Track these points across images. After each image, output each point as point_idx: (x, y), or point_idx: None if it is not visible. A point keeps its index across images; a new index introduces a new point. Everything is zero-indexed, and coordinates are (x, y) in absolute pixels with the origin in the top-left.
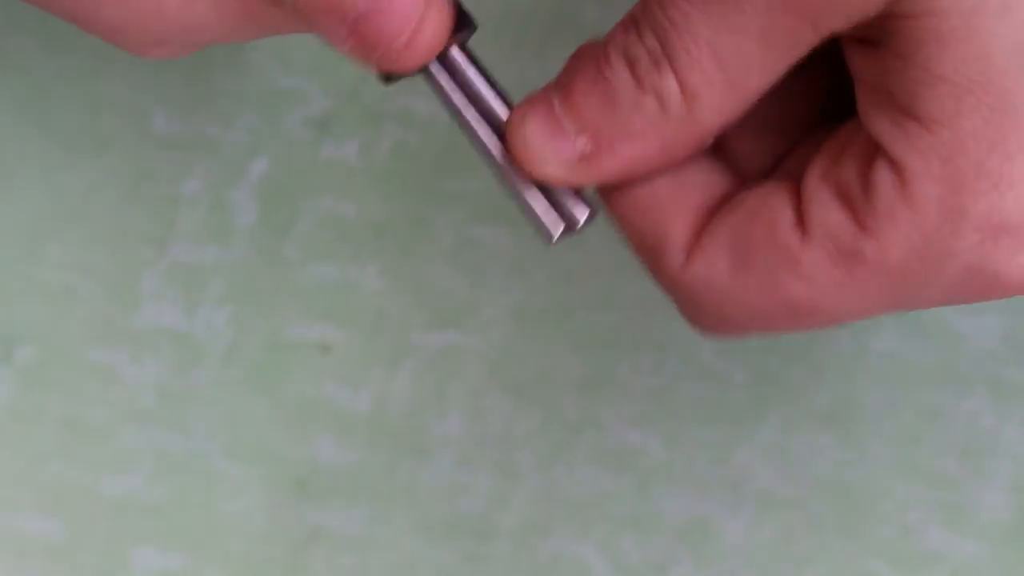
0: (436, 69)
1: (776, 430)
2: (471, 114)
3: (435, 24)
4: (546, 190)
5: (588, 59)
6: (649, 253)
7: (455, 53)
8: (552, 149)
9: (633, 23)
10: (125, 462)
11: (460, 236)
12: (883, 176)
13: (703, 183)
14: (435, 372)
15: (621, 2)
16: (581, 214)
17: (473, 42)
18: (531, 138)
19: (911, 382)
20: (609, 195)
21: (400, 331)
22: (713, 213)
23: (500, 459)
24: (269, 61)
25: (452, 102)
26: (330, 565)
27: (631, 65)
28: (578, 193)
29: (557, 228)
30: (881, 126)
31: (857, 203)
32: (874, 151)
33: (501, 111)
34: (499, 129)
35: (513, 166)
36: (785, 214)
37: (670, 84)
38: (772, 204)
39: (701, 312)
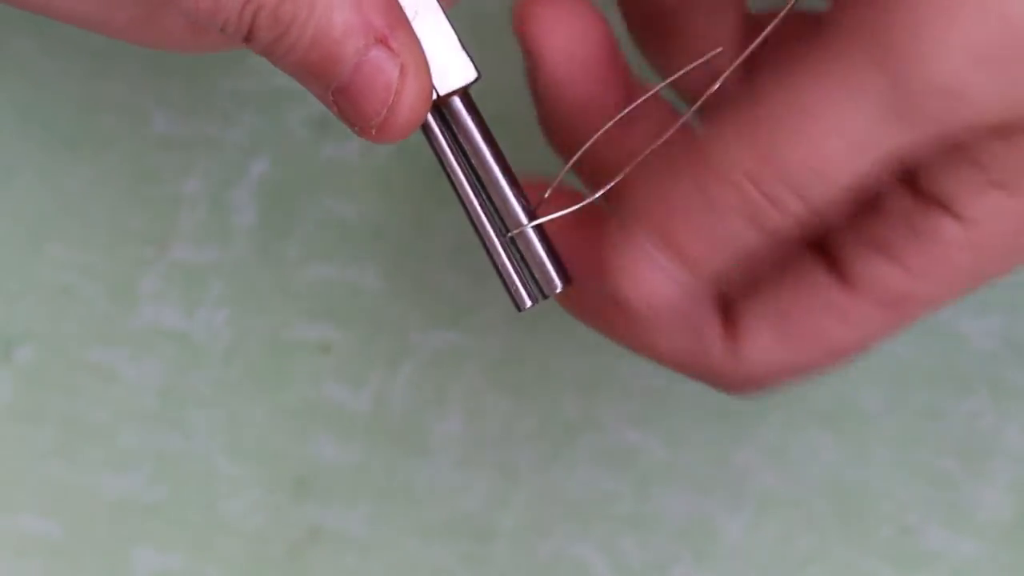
0: (432, 117)
1: (776, 430)
2: (458, 168)
3: (411, 100)
4: (525, 256)
5: (705, 221)
6: (691, 364)
7: (456, 102)
8: (667, 296)
9: (750, 179)
10: (125, 462)
11: (460, 237)
12: (943, 228)
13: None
14: (435, 372)
15: None
16: (557, 284)
17: (472, 42)
18: (647, 293)
19: (911, 382)
20: (631, 332)
21: (400, 331)
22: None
23: (500, 459)
24: None
25: (440, 153)
26: (330, 565)
27: (751, 216)
28: (557, 261)
29: (530, 299)
30: (955, 188)
31: (905, 253)
32: (922, 203)
33: (492, 168)
34: (486, 185)
35: (492, 231)
36: (819, 273)
37: (792, 217)
38: (800, 267)
39: (760, 387)
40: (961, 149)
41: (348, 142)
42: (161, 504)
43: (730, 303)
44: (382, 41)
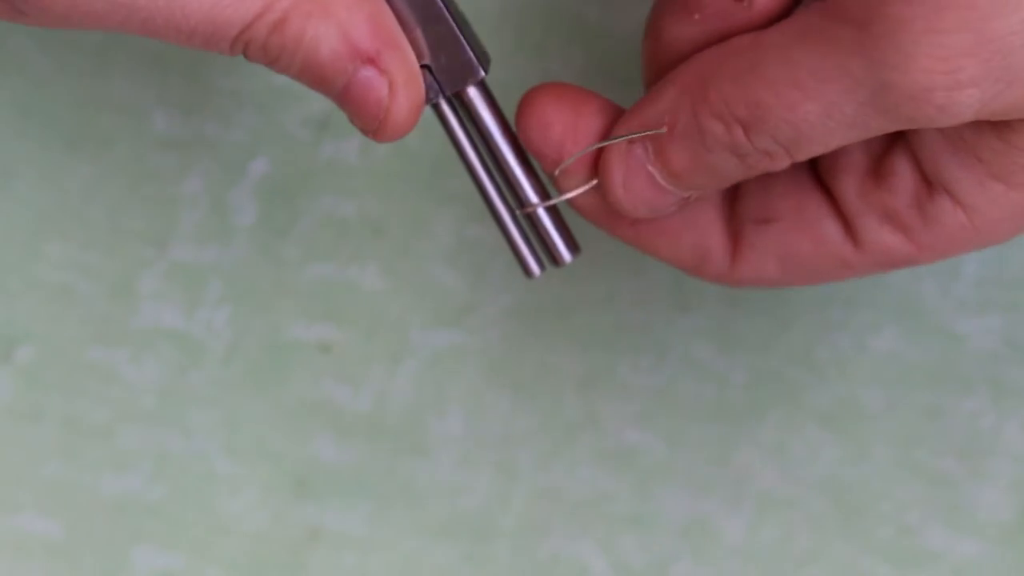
0: (447, 105)
1: (776, 430)
2: (472, 151)
3: (400, 115)
4: (536, 228)
5: (687, 139)
6: (691, 270)
7: (472, 91)
8: (659, 204)
9: (740, 124)
10: (125, 462)
11: (460, 236)
12: (948, 214)
13: (722, 193)
14: (435, 372)
15: (621, 2)
16: (567, 255)
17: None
18: (640, 200)
19: (911, 382)
20: (637, 236)
21: (400, 331)
22: (732, 213)
23: (500, 459)
24: None
25: (456, 139)
26: (330, 565)
27: (740, 156)
28: (566, 234)
29: (539, 267)
30: (957, 178)
31: (912, 227)
32: (931, 188)
33: (505, 151)
34: (501, 166)
35: (502, 208)
36: (830, 226)
37: (783, 163)
38: (812, 215)
39: (736, 287)
40: (964, 145)
41: (348, 142)
42: (161, 504)
43: (741, 225)
44: (370, 62)
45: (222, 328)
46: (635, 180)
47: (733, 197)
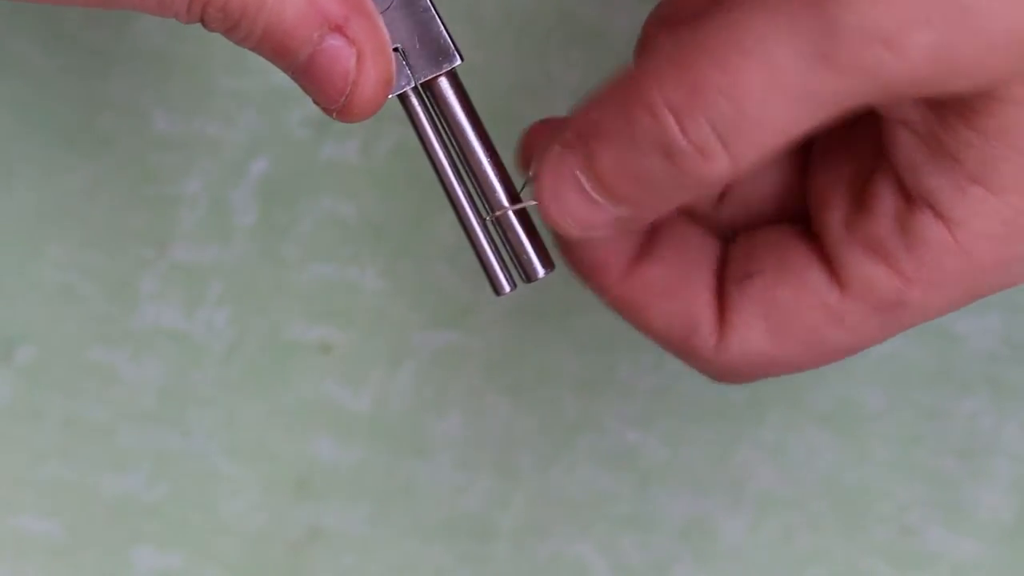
0: (415, 98)
1: (776, 430)
2: (440, 151)
3: (368, 88)
4: (508, 240)
5: (614, 140)
6: (678, 343)
7: (443, 83)
8: (589, 222)
9: (672, 111)
10: (125, 462)
11: (460, 236)
12: (931, 230)
13: (706, 256)
14: (435, 372)
15: (621, 2)
16: (541, 269)
17: (472, 42)
18: (567, 213)
19: (911, 382)
20: (625, 296)
21: (400, 331)
22: (721, 282)
23: (500, 459)
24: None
25: (422, 134)
26: (330, 565)
27: (670, 156)
28: (540, 248)
29: (509, 285)
30: (937, 187)
31: (895, 256)
32: (912, 204)
33: (476, 150)
34: (470, 167)
35: (471, 213)
36: (814, 272)
37: (719, 167)
38: (796, 264)
39: (740, 379)
40: (939, 145)
41: (348, 142)
42: (161, 504)
43: (727, 290)
44: (338, 29)
45: (222, 328)
46: (565, 189)
47: (722, 265)
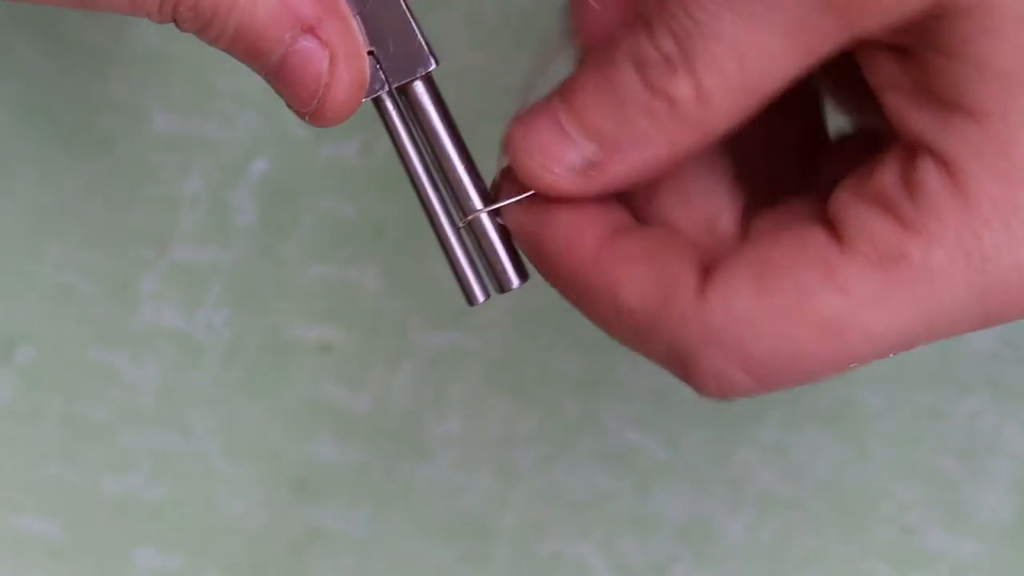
0: (390, 102)
1: (776, 430)
2: (415, 156)
3: (342, 91)
4: (481, 247)
5: (594, 64)
6: (653, 311)
7: (417, 87)
8: (556, 157)
9: (644, 25)
10: (125, 462)
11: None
12: (930, 174)
13: (694, 228)
14: (435, 372)
15: None
16: (515, 279)
17: (472, 42)
18: (535, 146)
19: (911, 382)
20: (595, 269)
21: (400, 331)
22: (708, 250)
23: (500, 459)
24: None
25: (396, 138)
26: (330, 565)
27: (641, 68)
28: (514, 256)
29: (483, 294)
30: (924, 125)
31: (901, 207)
32: (914, 154)
33: (450, 154)
34: (444, 172)
35: (444, 219)
36: (815, 231)
37: (684, 87)
38: (797, 227)
39: (719, 352)
40: (915, 80)
41: (348, 142)
42: (161, 504)
43: (714, 256)
44: (310, 31)
45: (222, 328)
46: (538, 121)
47: (711, 236)
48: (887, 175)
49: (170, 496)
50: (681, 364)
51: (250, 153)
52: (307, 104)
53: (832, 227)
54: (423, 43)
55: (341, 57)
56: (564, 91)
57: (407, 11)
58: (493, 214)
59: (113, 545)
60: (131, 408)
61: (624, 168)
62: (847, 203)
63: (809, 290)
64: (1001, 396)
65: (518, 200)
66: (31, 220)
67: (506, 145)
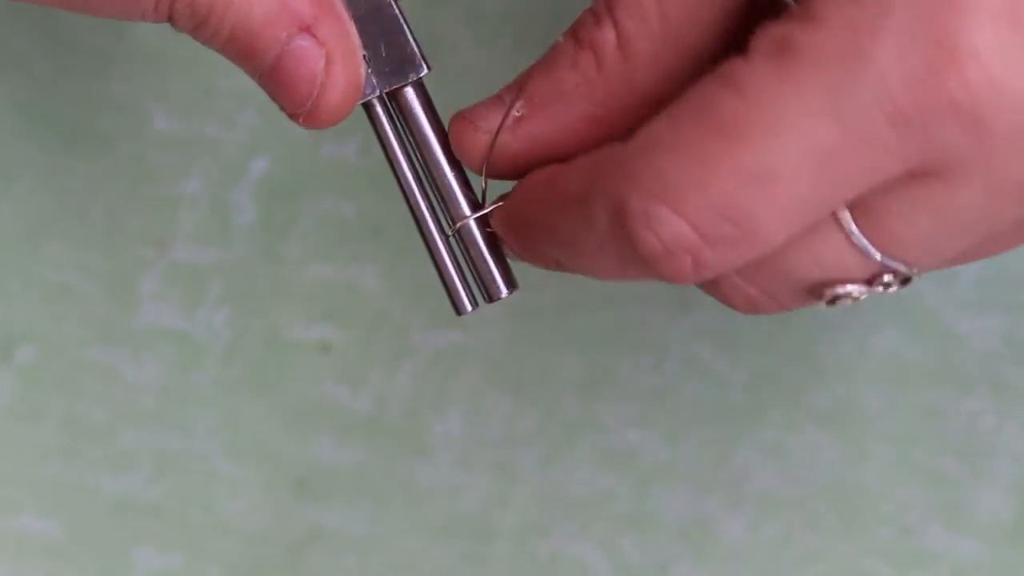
0: (380, 108)
1: (776, 430)
2: (404, 162)
3: (337, 92)
4: (470, 256)
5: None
6: (590, 178)
7: (408, 93)
8: (484, 116)
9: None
10: (125, 462)
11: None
12: None
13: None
14: (435, 372)
15: None
16: (504, 288)
17: (471, 42)
18: (469, 114)
19: (911, 382)
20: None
21: (400, 331)
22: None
23: (500, 459)
24: None
25: (386, 145)
26: (330, 565)
27: (574, 31)
28: (503, 265)
29: (471, 304)
30: None
31: (790, 6)
32: None
33: (440, 161)
34: (433, 179)
35: (433, 227)
36: (729, 60)
37: (606, 34)
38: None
39: (637, 188)
40: None
41: (348, 142)
42: (161, 504)
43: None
44: (307, 30)
45: (222, 328)
46: (484, 101)
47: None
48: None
49: (170, 496)
50: (620, 224)
51: (250, 153)
52: (301, 105)
53: (743, 52)
54: (416, 48)
55: (338, 58)
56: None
57: (400, 15)
58: (482, 223)
59: (113, 545)
60: (131, 408)
61: (548, 123)
62: (757, 31)
63: (711, 100)
64: (1001, 396)
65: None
66: (31, 220)
67: (451, 121)
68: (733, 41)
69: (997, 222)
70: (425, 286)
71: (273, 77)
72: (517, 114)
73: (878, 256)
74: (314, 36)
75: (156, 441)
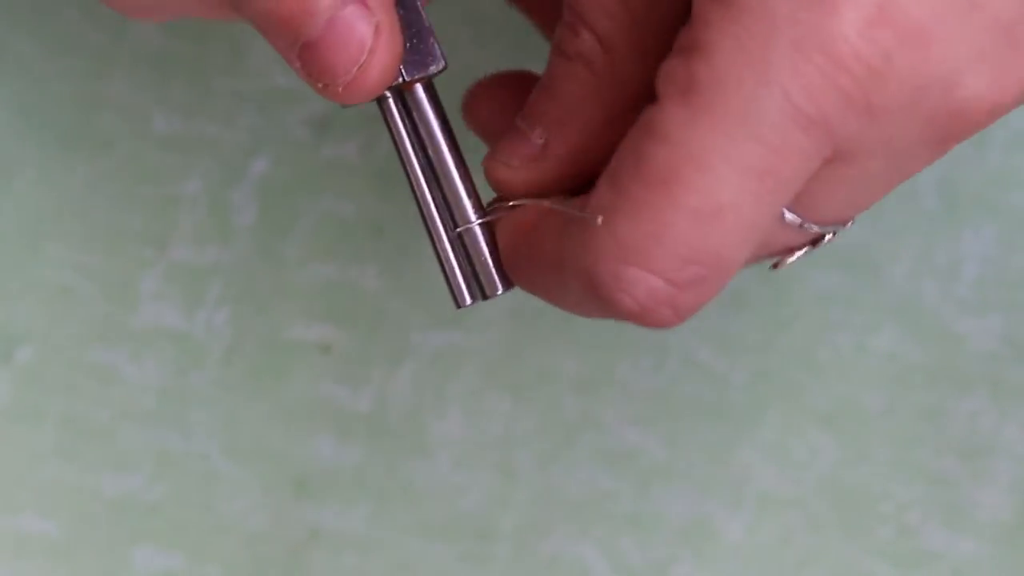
0: (393, 103)
1: (776, 430)
2: (415, 158)
3: (384, 61)
4: (471, 254)
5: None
6: (559, 251)
7: (419, 91)
8: (512, 151)
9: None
10: (125, 462)
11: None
12: (700, 3)
13: None
14: (435, 372)
15: None
16: (498, 287)
17: (471, 42)
18: (497, 150)
19: (911, 382)
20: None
21: (400, 331)
22: None
23: (500, 459)
24: (269, 61)
25: (398, 141)
26: (330, 565)
27: (558, 48)
28: (501, 267)
29: (471, 297)
30: None
31: (681, 39)
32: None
33: (447, 161)
34: (440, 178)
35: (440, 224)
36: (646, 109)
37: (587, 40)
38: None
39: (599, 256)
40: None
41: (348, 142)
42: (161, 504)
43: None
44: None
45: (222, 328)
46: (505, 135)
47: None
48: (683, 29)
49: (170, 496)
50: (594, 293)
51: (250, 153)
52: (345, 73)
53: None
54: (435, 43)
55: (385, 27)
56: (524, 108)
57: (421, 12)
58: (485, 224)
59: (113, 545)
60: (131, 408)
61: (569, 141)
62: (659, 73)
63: (641, 154)
64: (1001, 396)
65: (508, 209)
66: (31, 220)
67: (484, 168)
68: None
69: (906, 173)
70: (425, 286)
71: (319, 45)
72: (540, 141)
73: (815, 228)
74: (365, 4)
75: (156, 441)
